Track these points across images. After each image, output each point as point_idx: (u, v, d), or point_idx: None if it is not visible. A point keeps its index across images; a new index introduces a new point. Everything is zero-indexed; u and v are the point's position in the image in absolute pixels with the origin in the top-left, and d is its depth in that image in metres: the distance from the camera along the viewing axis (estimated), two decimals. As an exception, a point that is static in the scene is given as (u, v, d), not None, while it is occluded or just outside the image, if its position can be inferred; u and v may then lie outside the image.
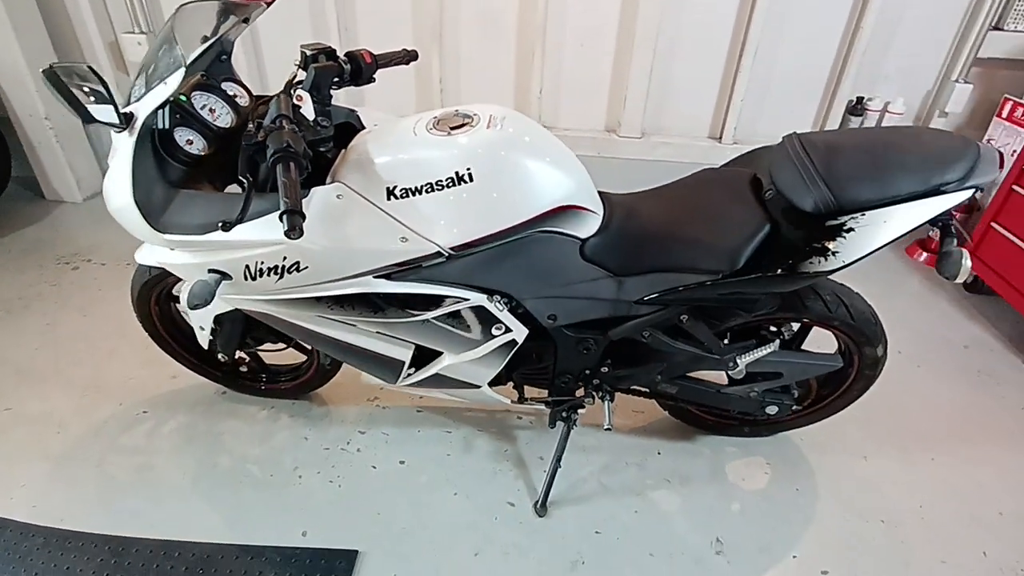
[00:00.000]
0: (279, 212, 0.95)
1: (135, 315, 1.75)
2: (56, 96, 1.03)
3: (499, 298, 1.35)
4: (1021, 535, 1.63)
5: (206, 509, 1.60)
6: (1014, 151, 2.59)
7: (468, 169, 1.16)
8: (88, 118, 1.06)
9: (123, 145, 1.15)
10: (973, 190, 1.16)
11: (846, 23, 2.74)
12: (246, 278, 1.24)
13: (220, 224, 1.07)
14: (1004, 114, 2.68)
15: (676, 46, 2.85)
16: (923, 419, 1.99)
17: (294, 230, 0.94)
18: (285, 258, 1.20)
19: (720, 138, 3.03)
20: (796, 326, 1.59)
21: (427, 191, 1.17)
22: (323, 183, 1.18)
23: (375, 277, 1.25)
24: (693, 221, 1.30)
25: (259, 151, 1.08)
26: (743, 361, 1.43)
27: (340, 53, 1.32)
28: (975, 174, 1.15)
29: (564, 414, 1.64)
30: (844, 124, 2.92)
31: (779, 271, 1.21)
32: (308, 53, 1.26)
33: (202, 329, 1.59)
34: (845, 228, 1.17)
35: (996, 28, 2.63)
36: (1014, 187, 2.46)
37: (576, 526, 1.60)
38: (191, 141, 1.21)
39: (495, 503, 1.65)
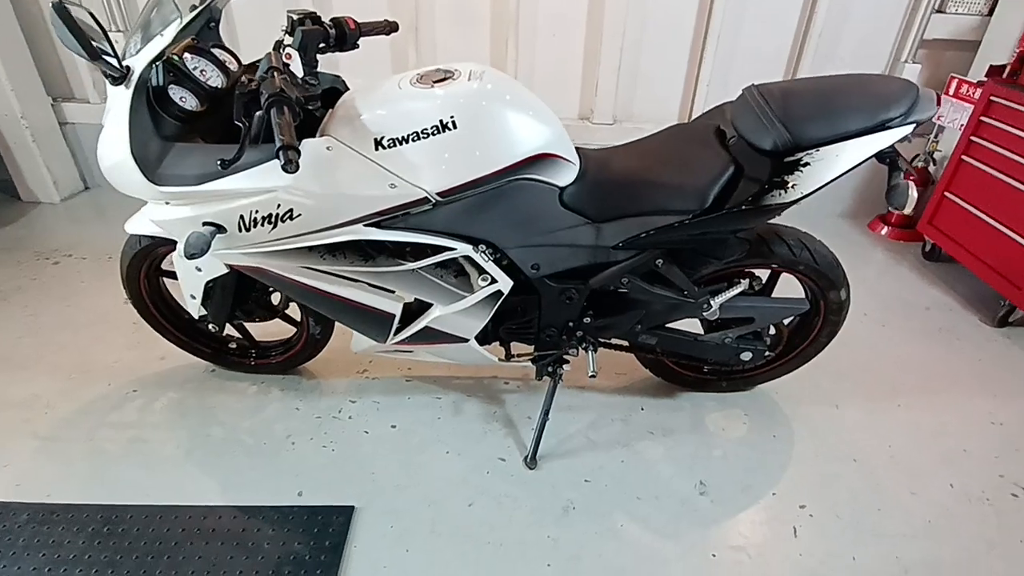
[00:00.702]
0: (276, 148, 1.00)
1: (124, 291, 1.77)
2: (63, 34, 1.07)
3: (484, 247, 1.41)
4: (984, 468, 1.73)
5: (201, 475, 1.62)
6: (961, 125, 2.76)
7: (451, 117, 1.23)
8: (94, 55, 1.10)
9: (119, 99, 1.20)
10: (914, 125, 1.27)
11: (801, 8, 2.89)
12: (240, 229, 1.29)
13: (218, 162, 1.12)
14: (951, 91, 2.84)
15: (644, 34, 2.97)
16: (889, 371, 2.10)
17: (291, 163, 0.99)
18: (279, 206, 1.25)
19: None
20: (765, 278, 1.68)
21: (413, 139, 1.24)
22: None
23: (365, 225, 1.31)
24: (663, 167, 1.39)
25: (253, 99, 1.13)
26: (716, 302, 1.52)
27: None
28: (915, 111, 1.26)
29: (550, 368, 1.70)
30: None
31: (743, 207, 1.29)
32: (295, 17, 1.33)
33: (193, 298, 1.62)
34: (801, 163, 1.27)
35: (939, 11, 2.81)
36: (963, 158, 2.61)
37: (566, 477, 1.65)
38: (184, 99, 1.26)
39: (486, 459, 1.70)
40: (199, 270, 1.54)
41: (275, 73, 1.13)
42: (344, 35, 1.42)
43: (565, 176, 1.37)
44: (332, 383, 1.96)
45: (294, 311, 1.82)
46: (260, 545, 1.42)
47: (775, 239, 1.54)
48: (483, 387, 1.96)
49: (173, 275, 1.73)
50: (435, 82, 1.29)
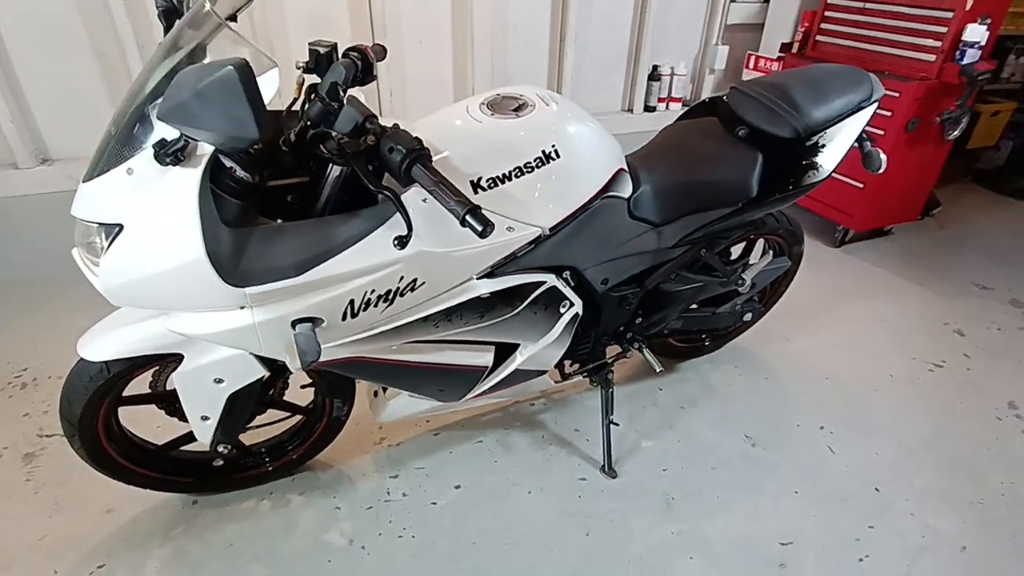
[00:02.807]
0: (462, 213, 0.85)
1: (68, 439, 1.30)
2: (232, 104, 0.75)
3: (567, 273, 1.37)
4: (900, 357, 2.24)
5: (280, 630, 1.29)
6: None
7: (553, 147, 1.17)
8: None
9: (176, 183, 0.87)
10: (876, 103, 1.57)
11: (633, 8, 3.24)
12: (345, 317, 1.04)
13: (395, 241, 0.89)
14: (751, 65, 3.48)
15: (507, 38, 3.03)
16: (796, 303, 2.55)
17: (488, 225, 0.85)
18: (401, 278, 1.04)
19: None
20: (741, 246, 1.92)
21: (516, 176, 1.14)
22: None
23: (478, 278, 1.17)
24: (703, 165, 1.49)
25: (367, 158, 0.93)
26: (748, 276, 1.69)
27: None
28: (875, 92, 1.56)
29: (606, 376, 1.72)
30: (648, 89, 3.48)
31: (790, 189, 1.47)
32: (322, 51, 1.10)
33: (205, 419, 1.26)
34: (820, 144, 1.49)
35: (734, 1, 3.40)
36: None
37: (646, 473, 1.70)
38: (234, 168, 0.96)
39: (568, 485, 1.66)
40: (219, 382, 1.21)
41: (375, 122, 0.94)
42: (369, 66, 1.22)
43: (627, 187, 1.39)
44: (354, 465, 1.70)
45: (294, 396, 1.53)
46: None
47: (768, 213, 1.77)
48: (513, 416, 1.89)
49: (134, 402, 1.34)
50: (514, 111, 1.19)
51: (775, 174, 1.49)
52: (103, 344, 1.15)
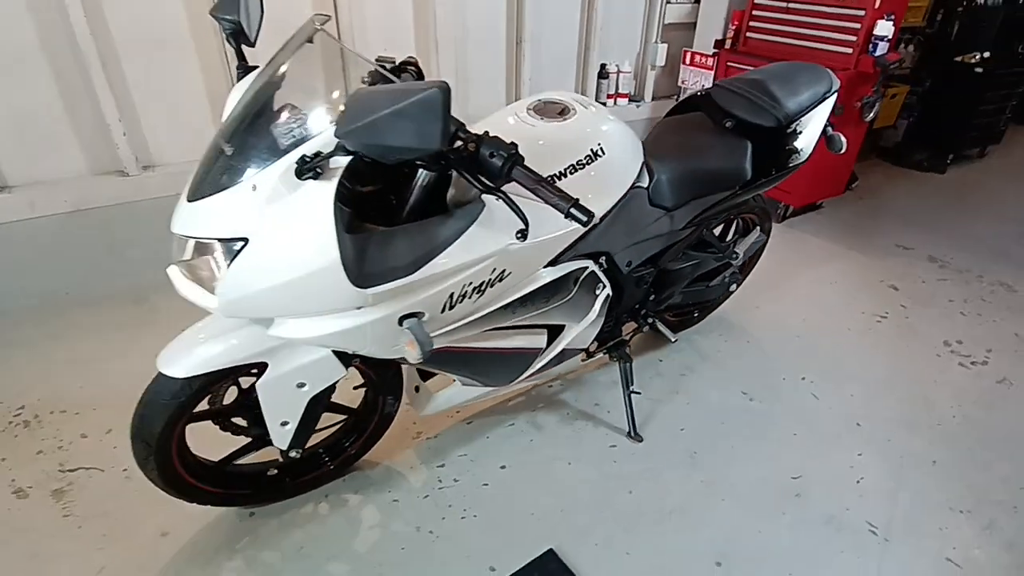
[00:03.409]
0: (567, 207, 0.97)
1: (141, 463, 1.31)
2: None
3: (603, 259, 1.52)
4: (852, 312, 2.56)
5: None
6: (702, 85, 3.72)
7: (599, 144, 1.31)
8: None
9: (312, 195, 0.93)
10: (836, 94, 1.83)
11: (580, 10, 3.44)
12: (444, 310, 1.14)
13: (517, 234, 0.99)
14: (687, 61, 3.78)
15: (467, 42, 3.14)
16: (765, 274, 2.84)
17: (590, 216, 0.98)
18: (494, 270, 1.15)
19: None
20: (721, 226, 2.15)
21: (571, 172, 1.28)
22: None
23: (543, 268, 1.29)
24: (703, 154, 1.69)
25: (467, 164, 1.03)
26: (741, 250, 1.91)
27: None
28: (833, 84, 1.82)
29: (625, 351, 1.88)
30: (598, 87, 3.70)
31: (776, 172, 1.70)
32: (389, 67, 1.19)
33: (284, 425, 1.31)
34: (798, 131, 1.72)
35: (670, 2, 3.68)
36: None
37: (667, 434, 1.89)
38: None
39: (602, 452, 1.82)
40: (301, 386, 1.26)
41: (464, 130, 1.05)
42: (422, 76, 1.32)
43: (646, 178, 1.56)
44: (400, 460, 1.77)
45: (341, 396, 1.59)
46: (513, 632, 1.32)
47: (748, 193, 2.00)
48: (535, 399, 2.01)
49: (202, 418, 1.37)
50: (559, 115, 1.33)
51: (763, 159, 1.71)
52: (188, 359, 1.17)
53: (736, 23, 3.47)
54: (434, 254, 1.06)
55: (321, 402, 1.35)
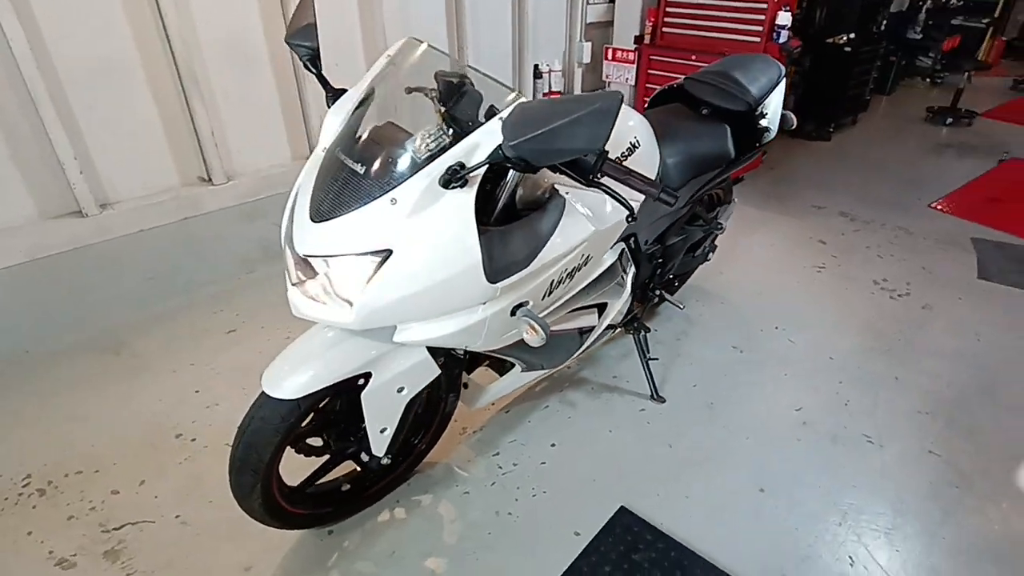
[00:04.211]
0: (657, 192, 1.12)
1: (242, 497, 1.31)
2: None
3: (631, 240, 1.69)
4: (801, 262, 2.94)
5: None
6: (626, 79, 4.02)
7: (636, 137, 1.48)
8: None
9: (455, 203, 1.01)
10: (784, 79, 2.13)
11: (512, 11, 3.60)
12: (543, 297, 1.25)
13: (628, 217, 1.11)
14: (610, 57, 4.07)
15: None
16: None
17: (675, 197, 1.14)
18: (582, 256, 1.27)
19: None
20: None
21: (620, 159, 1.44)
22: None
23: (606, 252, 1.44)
24: (693, 139, 1.91)
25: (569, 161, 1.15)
26: (724, 219, 2.17)
27: None
28: (781, 71, 2.11)
29: (639, 323, 2.07)
30: (534, 87, 3.88)
31: (753, 149, 1.96)
32: (454, 80, 1.28)
33: (383, 431, 1.37)
34: (763, 113, 1.99)
35: (591, 3, 3.93)
36: (645, 98, 3.86)
37: (682, 392, 2.11)
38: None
39: (634, 416, 2.00)
40: (400, 391, 1.33)
41: None
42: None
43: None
44: (456, 458, 1.84)
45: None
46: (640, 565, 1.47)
47: (716, 170, 2.26)
48: (557, 383, 2.15)
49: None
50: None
51: (741, 139, 1.96)
52: (298, 378, 1.18)
53: (652, 19, 3.79)
54: (541, 246, 1.17)
55: (415, 405, 1.41)
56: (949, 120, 5.13)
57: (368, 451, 1.45)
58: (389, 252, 1.02)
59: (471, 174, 1.01)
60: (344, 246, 1.04)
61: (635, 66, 3.97)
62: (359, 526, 1.62)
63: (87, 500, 1.69)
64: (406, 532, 1.61)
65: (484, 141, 1.04)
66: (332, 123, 1.20)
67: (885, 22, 5.13)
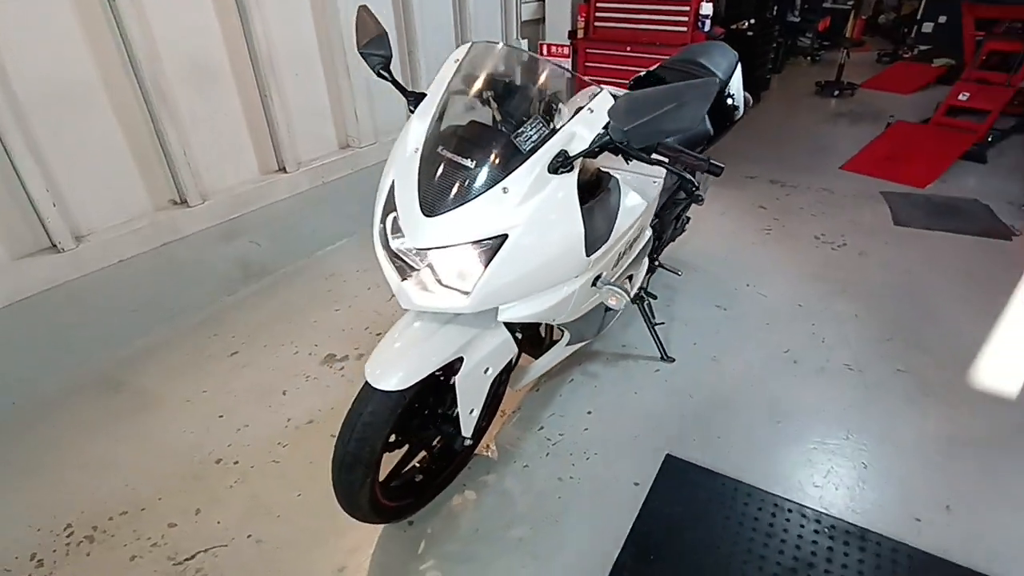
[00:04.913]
0: (706, 166, 1.30)
1: (351, 500, 1.36)
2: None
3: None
4: (749, 226, 3.27)
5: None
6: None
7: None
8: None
9: (563, 187, 1.12)
10: (740, 64, 2.39)
11: (452, 14, 3.70)
12: (613, 266, 1.39)
13: (695, 190, 1.26)
14: (545, 53, 4.26)
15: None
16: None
17: (721, 169, 1.31)
18: (639, 229, 1.42)
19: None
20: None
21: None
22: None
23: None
24: (678, 122, 2.12)
25: None
26: (704, 191, 2.40)
27: None
28: (736, 56, 2.38)
29: (645, 292, 2.26)
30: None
31: (728, 126, 2.20)
32: (507, 81, 1.40)
33: (471, 413, 1.46)
34: (731, 93, 2.24)
35: (525, 2, 4.10)
36: (585, 90, 4.09)
37: (687, 350, 2.32)
38: None
39: (653, 377, 2.19)
40: (486, 372, 1.43)
41: None
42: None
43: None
44: (504, 439, 1.94)
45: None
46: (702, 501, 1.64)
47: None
48: (575, 357, 2.26)
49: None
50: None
51: (717, 119, 2.20)
52: (403, 369, 1.25)
53: (584, 15, 4.02)
54: (614, 221, 1.31)
55: (497, 384, 1.50)
56: (836, 92, 5.80)
57: (448, 436, 1.53)
58: (504, 237, 1.11)
59: (576, 160, 1.13)
60: (462, 235, 1.12)
61: (570, 60, 4.18)
62: (435, 513, 1.69)
63: (144, 538, 1.63)
64: (482, 510, 1.70)
65: (581, 130, 1.16)
66: (418, 126, 1.27)
67: (776, 7, 5.69)
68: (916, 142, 4.43)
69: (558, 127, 1.17)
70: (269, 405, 2.09)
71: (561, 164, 1.12)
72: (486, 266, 1.12)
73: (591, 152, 1.13)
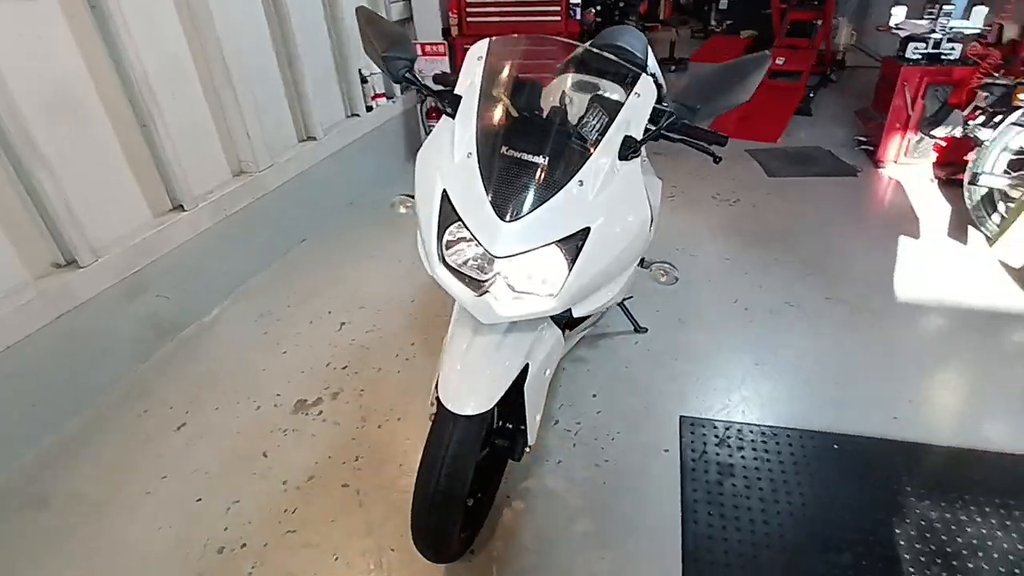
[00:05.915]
0: (714, 140, 1.38)
1: (447, 533, 1.26)
2: None
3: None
4: (719, 193, 3.51)
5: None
6: (441, 71, 4.18)
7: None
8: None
9: (632, 173, 1.12)
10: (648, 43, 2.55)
11: (326, 22, 3.47)
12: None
13: (715, 159, 1.31)
14: (421, 52, 4.17)
15: (253, 82, 2.90)
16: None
17: (727, 138, 1.41)
18: (658, 207, 1.47)
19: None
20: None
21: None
22: None
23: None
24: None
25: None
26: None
27: None
28: (646, 39, 2.53)
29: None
30: (363, 91, 3.80)
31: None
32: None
33: (537, 418, 1.43)
34: (653, 72, 2.38)
35: (391, 2, 3.96)
36: (469, 87, 4.08)
37: (653, 317, 2.45)
38: None
39: (634, 348, 2.29)
40: (544, 372, 1.40)
41: None
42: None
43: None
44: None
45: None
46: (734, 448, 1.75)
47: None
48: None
49: None
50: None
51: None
52: (483, 392, 1.17)
53: (455, 11, 4.00)
54: (647, 199, 1.34)
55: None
56: (673, 68, 6.41)
57: (503, 449, 1.47)
58: (586, 231, 1.09)
59: (643, 144, 1.13)
60: (548, 235, 1.07)
61: (446, 58, 4.13)
62: (491, 536, 1.62)
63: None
64: (537, 515, 1.66)
65: (634, 115, 1.17)
66: (463, 132, 1.18)
67: (609, -5, 6.12)
68: (757, 102, 5.06)
69: (615, 114, 1.17)
70: (254, 472, 1.83)
71: (631, 150, 1.12)
72: (572, 262, 1.09)
73: (656, 135, 1.14)
